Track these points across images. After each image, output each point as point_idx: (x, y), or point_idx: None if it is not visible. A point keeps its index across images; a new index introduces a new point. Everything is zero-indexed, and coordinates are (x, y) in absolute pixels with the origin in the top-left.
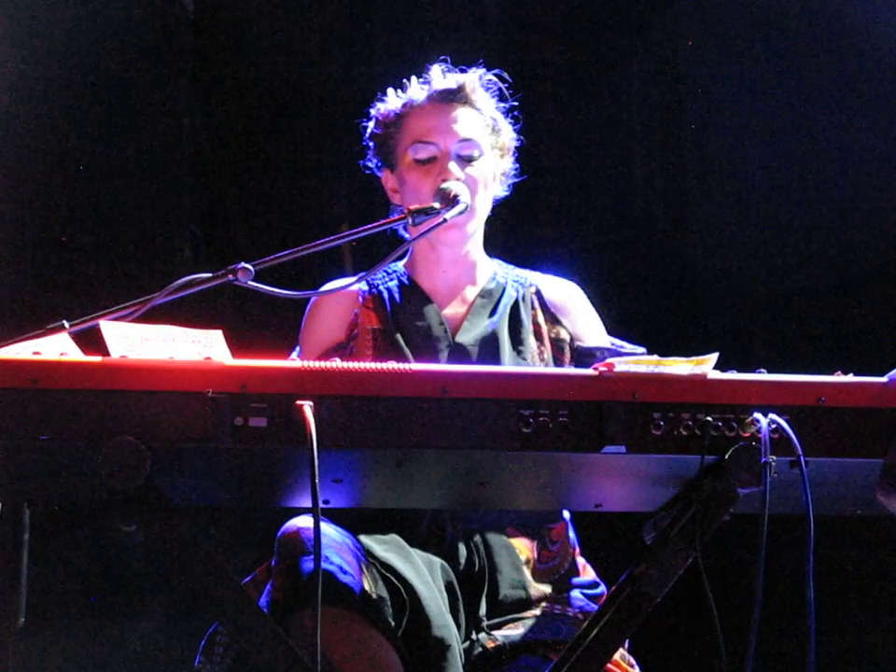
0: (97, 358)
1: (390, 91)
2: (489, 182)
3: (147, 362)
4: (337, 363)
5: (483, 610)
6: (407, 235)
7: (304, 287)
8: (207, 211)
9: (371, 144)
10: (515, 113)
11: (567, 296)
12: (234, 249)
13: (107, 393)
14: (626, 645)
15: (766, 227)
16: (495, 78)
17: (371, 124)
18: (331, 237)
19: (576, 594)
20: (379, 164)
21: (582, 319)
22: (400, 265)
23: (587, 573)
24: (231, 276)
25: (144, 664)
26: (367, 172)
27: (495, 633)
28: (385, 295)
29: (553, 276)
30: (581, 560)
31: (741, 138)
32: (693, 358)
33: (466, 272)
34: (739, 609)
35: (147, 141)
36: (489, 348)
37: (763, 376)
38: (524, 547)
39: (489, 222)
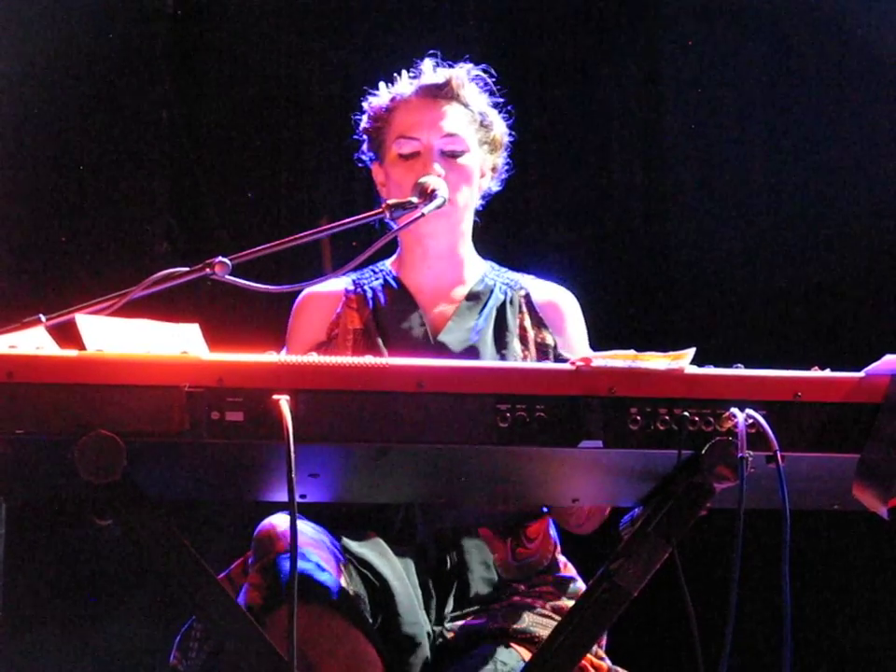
0: (73, 352)
1: (382, 85)
2: (474, 177)
3: (123, 356)
4: (314, 357)
5: (449, 608)
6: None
7: (282, 281)
8: (185, 204)
9: (364, 137)
10: (503, 109)
11: (557, 302)
12: (212, 243)
13: (83, 387)
14: (604, 642)
15: (744, 223)
16: (483, 74)
17: (364, 118)
18: (310, 231)
19: (550, 589)
20: (370, 158)
21: (568, 328)
22: (388, 264)
23: (568, 570)
24: (208, 270)
25: (119, 659)
26: (360, 165)
27: (457, 623)
28: (369, 294)
29: (546, 281)
30: (561, 558)
31: (720, 136)
32: (670, 353)
33: (453, 269)
34: (716, 604)
35: (124, 134)
36: (471, 351)
37: (740, 371)
38: (497, 545)
39: (479, 216)
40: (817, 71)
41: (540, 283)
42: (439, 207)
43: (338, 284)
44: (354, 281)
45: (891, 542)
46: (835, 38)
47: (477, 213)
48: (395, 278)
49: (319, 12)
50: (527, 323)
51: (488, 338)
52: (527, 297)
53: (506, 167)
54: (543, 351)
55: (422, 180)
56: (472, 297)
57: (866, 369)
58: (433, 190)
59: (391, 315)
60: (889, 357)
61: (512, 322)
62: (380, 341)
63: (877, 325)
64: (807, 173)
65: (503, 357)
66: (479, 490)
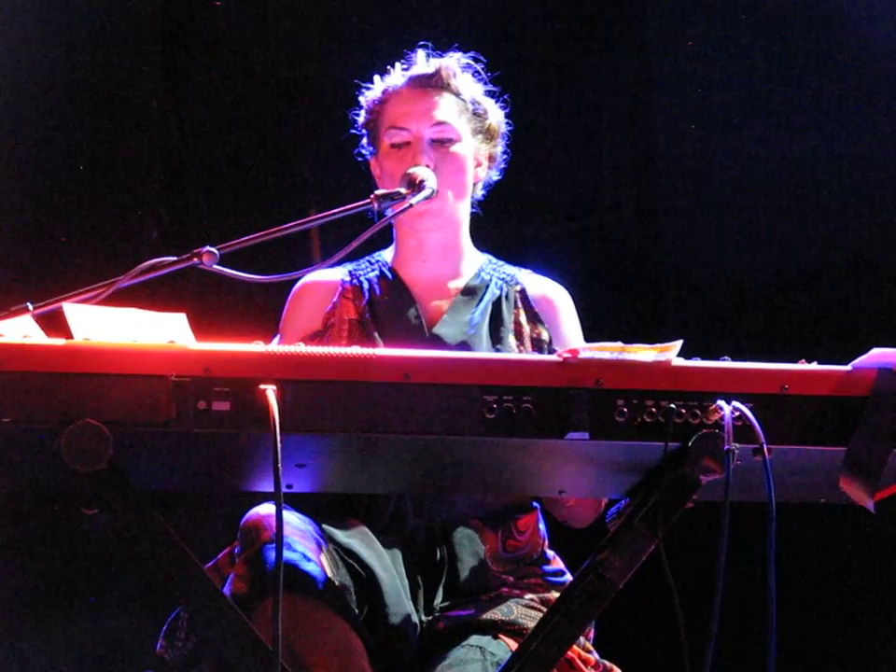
0: (60, 341)
1: (376, 77)
2: (467, 166)
3: (110, 345)
4: (301, 347)
5: (438, 599)
6: (394, 222)
7: (270, 271)
8: (175, 194)
9: (363, 132)
10: (499, 98)
11: (551, 297)
12: (202, 233)
13: (70, 376)
14: (591, 634)
15: (732, 217)
16: (473, 63)
17: (361, 113)
18: (298, 221)
19: (538, 581)
20: (369, 153)
21: (562, 323)
22: (386, 255)
23: (556, 564)
24: (195, 260)
25: (105, 649)
26: (360, 160)
27: (445, 613)
28: (365, 286)
29: (542, 277)
30: (550, 552)
31: (710, 130)
32: (658, 345)
33: (449, 262)
34: (702, 596)
35: (114, 123)
36: (466, 345)
37: (727, 363)
38: (488, 537)
39: (479, 208)
40: (809, 66)
41: (535, 278)
42: (427, 198)
43: (334, 274)
44: (350, 271)
45: (878, 536)
46: (834, 37)
47: (475, 203)
48: (390, 269)
49: (310, 1)
50: (522, 318)
51: (483, 332)
52: (523, 292)
53: (505, 156)
54: (538, 346)
55: (410, 171)
56: (468, 291)
57: (853, 362)
58: (421, 181)
59: (387, 307)
60: (876, 351)
61: (508, 317)
62: (375, 331)
63: (865, 318)
64: (796, 166)
65: (498, 352)
66: (465, 481)
